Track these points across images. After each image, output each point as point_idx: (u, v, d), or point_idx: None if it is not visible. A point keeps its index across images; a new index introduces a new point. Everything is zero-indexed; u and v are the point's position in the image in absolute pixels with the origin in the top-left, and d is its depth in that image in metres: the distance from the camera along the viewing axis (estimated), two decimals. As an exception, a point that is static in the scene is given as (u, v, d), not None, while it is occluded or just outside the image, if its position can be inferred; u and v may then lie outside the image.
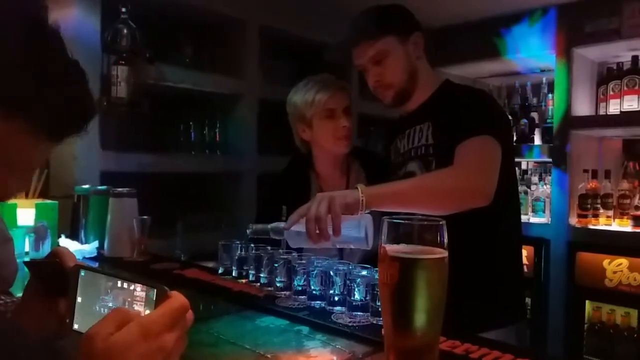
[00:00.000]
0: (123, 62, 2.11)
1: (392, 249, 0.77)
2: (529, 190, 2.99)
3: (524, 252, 2.88)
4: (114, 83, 2.10)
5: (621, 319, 2.61)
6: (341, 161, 1.85)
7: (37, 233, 1.61)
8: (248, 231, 1.28)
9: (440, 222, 0.78)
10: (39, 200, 1.86)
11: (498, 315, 1.44)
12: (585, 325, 2.71)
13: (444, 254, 0.77)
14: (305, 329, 1.06)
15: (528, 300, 2.91)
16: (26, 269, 0.80)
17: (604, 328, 2.67)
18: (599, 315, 2.69)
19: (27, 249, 1.65)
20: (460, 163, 1.35)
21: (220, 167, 2.70)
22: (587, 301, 2.72)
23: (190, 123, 2.63)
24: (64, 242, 1.74)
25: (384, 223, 0.79)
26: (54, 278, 0.76)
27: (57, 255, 0.78)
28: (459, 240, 1.29)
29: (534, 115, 3.03)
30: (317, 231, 1.17)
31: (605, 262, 2.60)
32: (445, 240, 0.78)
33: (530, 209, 2.92)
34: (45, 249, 1.64)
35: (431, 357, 0.77)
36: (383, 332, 0.95)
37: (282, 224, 1.25)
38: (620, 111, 2.70)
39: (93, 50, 2.13)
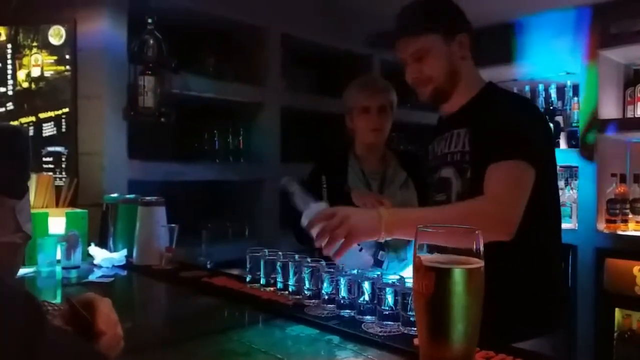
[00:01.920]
0: (149, 72, 2.15)
1: (427, 258, 0.77)
2: (555, 195, 2.94)
3: (551, 259, 2.84)
4: (141, 93, 2.13)
5: (622, 321, 2.56)
6: (377, 150, 2.10)
7: (69, 242, 1.64)
8: (283, 181, 1.40)
9: (477, 231, 0.78)
10: (69, 209, 1.90)
11: (532, 325, 1.40)
12: (615, 334, 2.65)
13: (480, 263, 0.77)
14: (336, 339, 1.05)
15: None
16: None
17: (635, 336, 2.61)
18: (629, 323, 2.63)
19: (58, 257, 1.68)
20: (488, 195, 1.31)
21: (243, 175, 2.72)
22: (616, 309, 2.66)
23: (215, 132, 2.66)
24: (94, 250, 1.77)
25: (417, 232, 0.79)
26: (82, 328, 0.80)
27: (93, 308, 0.82)
28: (493, 249, 1.29)
29: (559, 119, 2.99)
30: (323, 245, 1.22)
31: (636, 269, 2.54)
32: (482, 249, 0.77)
33: (556, 215, 2.87)
34: (77, 257, 1.67)
35: (468, 368, 0.76)
36: (417, 343, 0.95)
37: (310, 208, 1.34)
38: (649, 114, 2.65)
39: (120, 61, 2.17)
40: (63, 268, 1.68)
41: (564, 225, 2.83)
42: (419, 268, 0.77)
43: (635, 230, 2.64)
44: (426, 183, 1.65)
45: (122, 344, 0.85)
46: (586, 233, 2.72)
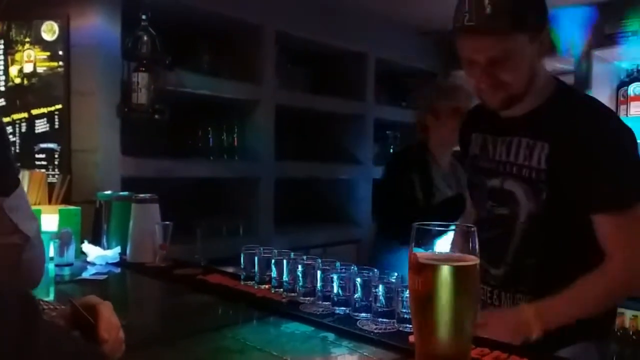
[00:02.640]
0: (143, 69, 2.14)
1: (422, 255, 0.77)
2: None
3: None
4: (135, 90, 2.12)
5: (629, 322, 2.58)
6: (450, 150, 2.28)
7: (62, 239, 1.63)
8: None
9: (472, 229, 0.78)
10: (62, 206, 1.88)
11: (582, 328, 1.22)
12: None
13: (476, 260, 0.77)
14: (331, 336, 1.05)
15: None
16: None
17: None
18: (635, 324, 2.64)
19: (51, 254, 1.67)
20: (619, 260, 1.17)
21: (237, 173, 2.72)
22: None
23: (209, 129, 2.66)
24: (87, 247, 1.76)
25: (413, 229, 0.79)
26: (84, 331, 0.81)
27: (96, 313, 0.82)
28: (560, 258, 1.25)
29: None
30: None
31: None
32: (477, 247, 0.77)
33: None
34: (70, 254, 1.66)
35: (463, 365, 0.76)
36: (412, 340, 0.95)
37: None
38: (643, 113, 2.67)
39: (113, 57, 2.16)
40: (56, 265, 1.67)
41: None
42: (414, 265, 0.77)
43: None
44: (469, 182, 1.48)
45: (124, 348, 0.85)
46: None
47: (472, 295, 0.77)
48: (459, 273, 0.75)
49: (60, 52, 2.18)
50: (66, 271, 1.65)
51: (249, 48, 2.72)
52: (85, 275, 1.61)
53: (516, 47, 1.20)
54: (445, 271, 0.75)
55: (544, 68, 1.32)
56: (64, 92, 2.18)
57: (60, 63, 2.18)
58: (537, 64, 1.27)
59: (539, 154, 1.25)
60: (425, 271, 0.76)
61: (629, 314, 2.63)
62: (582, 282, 1.18)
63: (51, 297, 1.39)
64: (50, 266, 1.67)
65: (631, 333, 2.61)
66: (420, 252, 0.78)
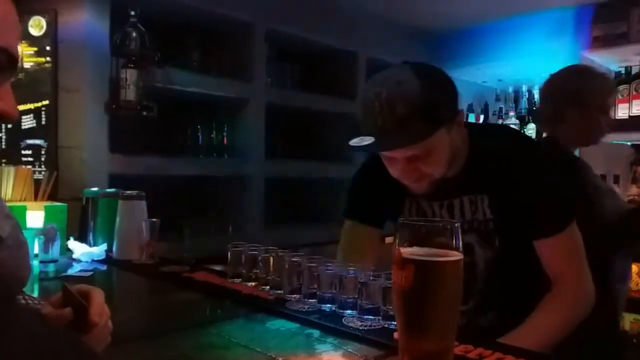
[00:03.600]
0: (132, 66, 2.12)
1: (406, 251, 0.77)
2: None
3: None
4: (123, 86, 2.10)
5: (630, 325, 2.59)
6: None
7: (47, 235, 1.61)
8: None
9: (456, 224, 0.77)
10: (48, 203, 1.86)
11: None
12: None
13: (460, 256, 0.77)
14: (316, 333, 1.05)
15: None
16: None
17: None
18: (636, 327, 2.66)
19: (36, 251, 1.65)
20: (563, 282, 1.23)
21: (227, 171, 2.71)
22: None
23: (198, 127, 2.64)
24: (73, 244, 1.74)
25: (399, 225, 0.79)
26: (75, 313, 0.81)
27: (88, 298, 0.82)
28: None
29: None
30: None
31: (615, 268, 2.58)
32: (460, 244, 0.77)
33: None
34: (55, 251, 1.64)
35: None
36: (396, 336, 0.95)
37: None
38: (629, 115, 2.69)
39: (102, 53, 2.14)
40: (40, 262, 1.65)
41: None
42: (398, 260, 0.77)
43: (615, 229, 2.67)
44: None
45: (109, 339, 0.85)
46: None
47: (455, 290, 0.76)
48: (443, 268, 0.75)
49: (48, 48, 2.16)
50: (51, 268, 1.63)
51: (239, 45, 2.71)
52: (71, 272, 1.60)
53: (435, 143, 1.17)
54: (429, 266, 0.75)
55: (463, 134, 1.29)
56: (51, 88, 2.16)
57: (48, 59, 2.16)
58: (456, 142, 1.25)
59: (482, 206, 1.30)
60: (409, 266, 0.75)
61: (629, 317, 2.65)
62: (540, 310, 1.22)
63: (35, 294, 1.38)
64: (35, 263, 1.65)
65: (631, 336, 2.63)
66: (404, 249, 0.78)
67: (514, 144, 1.32)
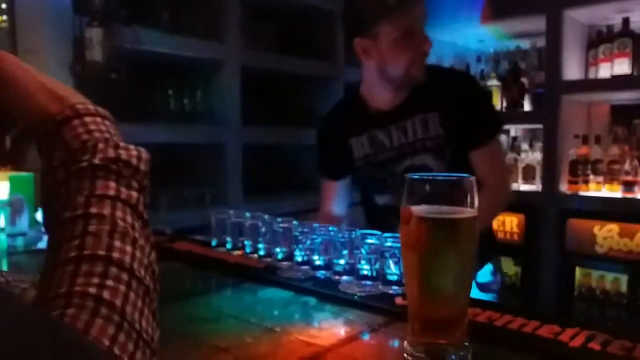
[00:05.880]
0: (97, 24, 1.97)
1: (419, 209, 0.70)
2: (519, 157, 2.95)
3: (515, 220, 2.87)
4: (88, 46, 1.95)
5: (611, 285, 2.62)
6: None
7: (13, 207, 1.50)
8: None
9: (471, 179, 0.71)
10: (13, 173, 1.73)
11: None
12: (575, 292, 2.72)
13: (475, 213, 0.70)
14: (312, 301, 0.98)
15: (518, 269, 2.91)
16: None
17: (593, 294, 2.68)
18: (588, 281, 2.70)
19: (2, 224, 1.54)
20: (490, 184, 1.43)
21: (202, 138, 2.58)
22: (577, 268, 2.71)
23: (170, 91, 2.50)
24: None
25: (407, 182, 0.72)
26: None
27: None
28: None
29: (524, 80, 2.97)
30: None
31: (596, 229, 2.59)
32: (476, 201, 0.70)
33: (520, 177, 2.88)
34: (23, 223, 1.53)
35: (461, 326, 0.70)
36: (399, 301, 0.89)
37: None
38: (612, 75, 2.66)
39: (64, 10, 1.97)
40: (8, 235, 1.54)
41: (528, 187, 2.87)
42: (408, 220, 0.70)
43: (596, 190, 2.68)
44: (370, 180, 1.63)
45: None
46: (550, 194, 2.75)
47: (473, 251, 0.70)
48: (460, 226, 0.68)
49: (4, 6, 1.99)
50: (20, 242, 1.52)
51: (211, 3, 2.56)
52: (42, 245, 1.48)
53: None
54: (446, 225, 0.68)
55: None
56: (10, 50, 1.99)
57: (4, 18, 1.99)
58: None
59: (434, 125, 1.50)
60: (422, 226, 0.69)
61: (595, 274, 2.68)
62: None
63: (4, 268, 1.28)
64: (2, 236, 1.54)
65: (598, 293, 2.66)
66: (415, 207, 0.71)
67: (457, 71, 1.84)
